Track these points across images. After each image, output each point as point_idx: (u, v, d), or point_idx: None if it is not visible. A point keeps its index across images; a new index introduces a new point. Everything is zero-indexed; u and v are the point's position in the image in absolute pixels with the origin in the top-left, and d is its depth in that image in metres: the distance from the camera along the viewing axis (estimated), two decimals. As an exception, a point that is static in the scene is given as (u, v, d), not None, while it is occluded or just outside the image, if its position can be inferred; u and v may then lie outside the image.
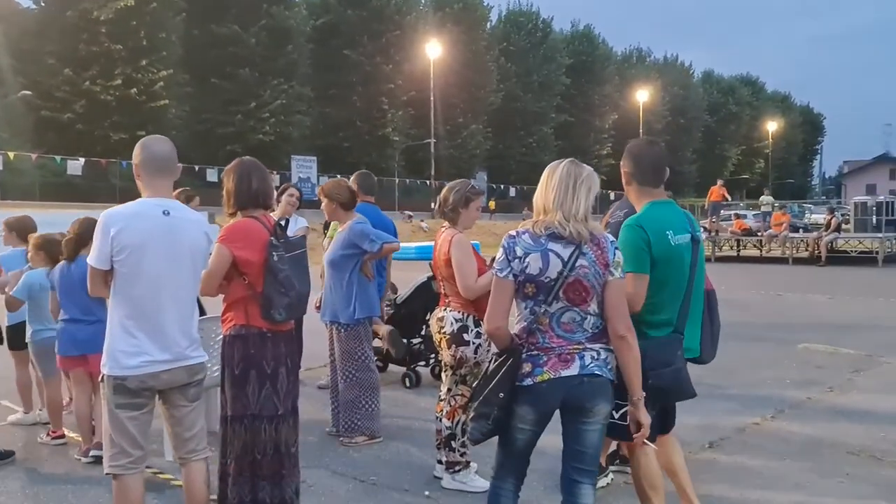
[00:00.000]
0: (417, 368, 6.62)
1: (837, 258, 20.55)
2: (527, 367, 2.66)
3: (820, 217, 26.68)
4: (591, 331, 2.68)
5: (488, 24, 49.63)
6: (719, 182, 24.91)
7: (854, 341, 8.45)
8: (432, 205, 37.75)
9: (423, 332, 6.63)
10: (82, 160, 30.51)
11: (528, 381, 2.65)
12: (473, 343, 4.00)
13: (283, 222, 3.67)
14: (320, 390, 6.35)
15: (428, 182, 40.88)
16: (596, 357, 2.67)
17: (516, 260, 2.64)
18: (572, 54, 52.51)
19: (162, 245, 3.00)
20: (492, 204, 41.06)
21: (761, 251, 23.01)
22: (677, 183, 62.05)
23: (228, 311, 3.50)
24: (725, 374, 6.53)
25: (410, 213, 35.13)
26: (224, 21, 37.44)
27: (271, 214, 6.11)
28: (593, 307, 2.67)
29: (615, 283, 2.67)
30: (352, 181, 5.58)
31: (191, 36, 36.96)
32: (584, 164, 2.83)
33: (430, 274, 6.43)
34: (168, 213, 3.04)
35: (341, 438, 4.89)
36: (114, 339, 2.99)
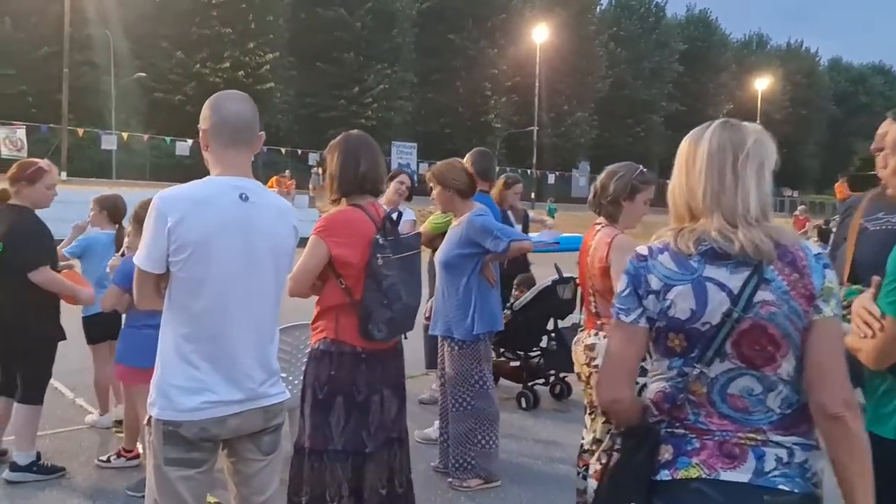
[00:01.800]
0: (536, 386, 5.65)
1: None
2: (666, 454, 1.62)
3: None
4: (779, 410, 1.58)
5: (598, 8, 47.65)
6: (842, 180, 22.46)
7: None
8: (532, 194, 36.62)
9: (544, 345, 5.66)
10: (190, 141, 31.09)
11: (666, 475, 1.60)
12: (636, 382, 2.98)
13: (394, 215, 2.83)
14: (422, 406, 5.48)
15: (529, 171, 39.63)
16: (786, 459, 1.56)
17: (651, 296, 1.63)
18: (686, 40, 49.76)
19: (236, 241, 2.16)
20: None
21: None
22: (795, 177, 58.27)
23: (320, 318, 2.84)
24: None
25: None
26: (331, 4, 37.38)
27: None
28: (786, 369, 1.57)
29: (825, 326, 1.56)
30: (466, 162, 4.63)
31: (297, 19, 37.14)
32: (746, 124, 1.69)
33: (557, 277, 5.45)
34: (246, 198, 2.18)
35: (450, 480, 3.97)
36: (166, 369, 2.15)
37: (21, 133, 27.19)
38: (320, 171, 26.42)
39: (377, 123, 37.51)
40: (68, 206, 4.33)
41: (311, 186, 25.82)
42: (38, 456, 3.94)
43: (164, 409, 2.12)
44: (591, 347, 3.08)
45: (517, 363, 5.65)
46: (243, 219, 2.16)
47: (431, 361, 4.81)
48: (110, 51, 31.78)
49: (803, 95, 57.45)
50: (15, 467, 3.84)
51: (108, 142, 29.67)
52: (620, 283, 1.71)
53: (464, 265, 3.88)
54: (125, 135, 29.77)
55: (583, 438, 3.32)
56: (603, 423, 3.11)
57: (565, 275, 5.44)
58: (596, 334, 3.10)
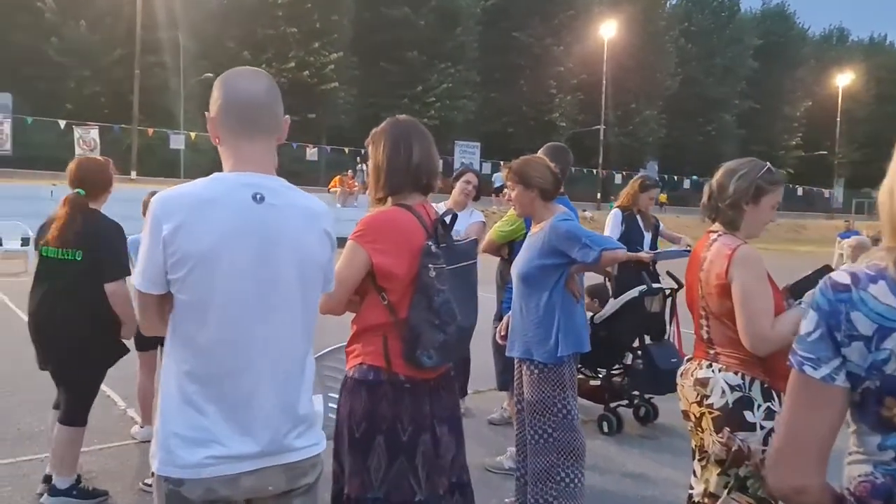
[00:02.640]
0: (619, 408, 5.12)
1: None
2: None
3: None
4: None
5: (668, 3, 46.21)
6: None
7: None
8: (598, 195, 35.67)
9: (628, 361, 5.13)
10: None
11: None
12: (762, 427, 2.45)
13: (447, 217, 2.37)
14: (493, 428, 5.01)
15: (595, 171, 38.66)
16: None
17: (856, 343, 1.18)
18: (762, 35, 47.72)
19: (249, 253, 1.72)
20: (663, 197, 38.17)
21: None
22: (880, 178, 55.24)
23: (356, 340, 2.36)
24: None
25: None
26: (395, 3, 37.25)
27: (440, 205, 4.96)
28: None
29: None
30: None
31: (361, 18, 37.13)
32: None
33: (644, 287, 4.90)
34: (261, 199, 1.74)
35: (527, 521, 3.50)
36: (168, 414, 1.73)
37: (94, 133, 27.85)
38: (364, 165, 25.58)
39: (440, 123, 37.17)
40: (137, 205, 4.08)
41: (354, 184, 25.18)
42: (79, 479, 3.63)
43: (164, 463, 1.70)
44: (703, 382, 2.55)
45: (598, 382, 5.13)
46: (258, 224, 1.72)
47: (504, 382, 4.34)
48: (179, 52, 32.34)
49: (888, 92, 54.51)
50: (54, 491, 3.54)
51: (177, 141, 30.13)
52: (807, 322, 1.22)
53: (546, 278, 3.38)
54: (193, 134, 30.18)
55: (691, 488, 2.78)
56: (718, 474, 2.58)
57: (655, 285, 4.89)
58: (709, 366, 2.56)
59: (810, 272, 2.76)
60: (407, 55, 36.92)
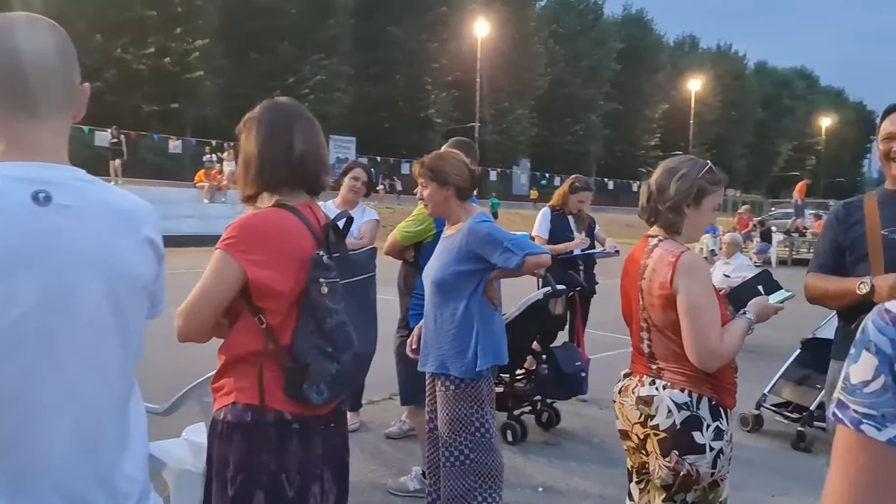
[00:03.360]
0: (522, 415, 4.92)
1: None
2: None
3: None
4: None
5: (537, 5, 47.37)
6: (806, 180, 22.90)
7: None
8: (475, 192, 35.90)
9: (531, 366, 4.94)
10: (109, 131, 29.26)
11: None
12: (711, 448, 2.27)
13: (341, 221, 1.98)
14: (393, 444, 4.68)
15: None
16: None
17: None
18: (624, 39, 50.00)
19: (30, 277, 1.19)
20: (534, 193, 39.15)
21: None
22: (727, 178, 59.39)
23: (226, 374, 1.90)
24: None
25: None
26: (264, -9, 35.91)
27: (327, 204, 4.55)
28: None
29: None
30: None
31: (228, 5, 35.48)
32: None
33: (549, 289, 4.72)
34: (47, 199, 1.23)
35: (442, 552, 3.20)
36: None
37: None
38: (215, 156, 23.48)
39: (314, 116, 36.17)
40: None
41: (221, 178, 23.37)
42: None
43: None
44: (647, 401, 2.34)
45: (501, 389, 4.91)
46: (43, 235, 1.22)
47: (408, 397, 4.02)
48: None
49: (732, 97, 58.71)
50: None
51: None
52: (860, 368, 0.93)
53: (463, 285, 3.08)
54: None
55: (630, 508, 2.59)
56: (663, 500, 2.37)
57: (559, 286, 4.72)
58: (653, 382, 2.36)
59: (749, 276, 2.62)
60: (277, 45, 35.64)
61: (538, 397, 4.96)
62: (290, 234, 1.85)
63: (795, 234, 19.78)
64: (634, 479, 2.55)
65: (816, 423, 4.86)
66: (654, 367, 2.38)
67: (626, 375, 2.52)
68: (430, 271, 3.18)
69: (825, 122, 67.50)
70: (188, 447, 3.14)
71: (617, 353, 7.67)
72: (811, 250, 21.71)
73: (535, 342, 4.90)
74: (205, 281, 1.82)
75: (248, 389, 1.84)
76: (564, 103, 46.06)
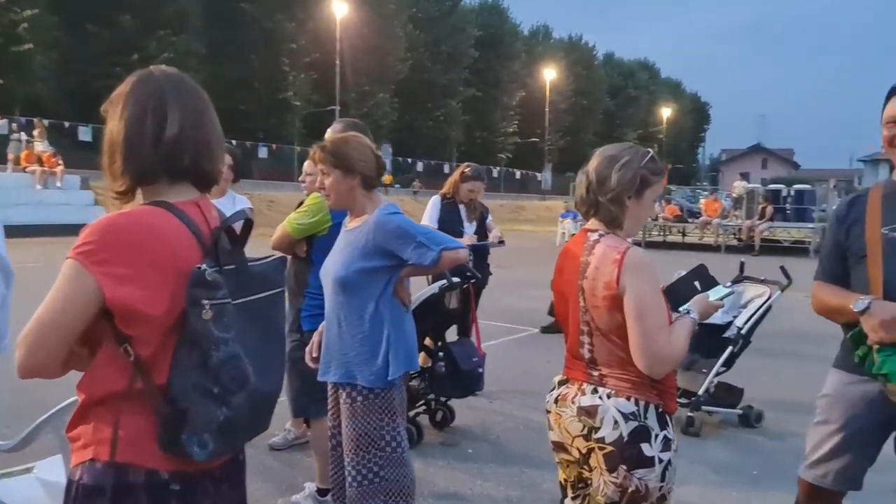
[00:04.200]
0: (418, 416, 4.67)
1: (768, 248, 19.96)
2: None
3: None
4: None
5: (396, -12, 46.86)
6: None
7: None
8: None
9: (425, 364, 4.69)
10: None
11: None
12: (660, 461, 2.10)
13: (238, 223, 1.58)
14: (277, 457, 4.27)
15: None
16: None
17: None
18: (481, 26, 50.67)
19: None
20: (388, 178, 38.82)
21: (683, 236, 22.62)
22: (577, 164, 61.87)
23: (84, 419, 1.48)
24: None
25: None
26: (102, -41, 33.09)
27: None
28: None
29: None
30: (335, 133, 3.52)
31: (62, -27, 32.41)
32: None
33: (445, 283, 4.47)
34: None
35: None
36: None
37: None
38: (23, 134, 20.64)
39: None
40: None
41: (56, 161, 20.84)
42: None
43: None
44: (590, 412, 2.14)
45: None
46: None
47: (300, 408, 3.63)
48: None
49: (583, 86, 61.19)
50: None
51: None
52: None
53: (371, 284, 2.76)
54: None
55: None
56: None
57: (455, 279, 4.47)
58: (595, 391, 2.16)
59: (684, 272, 2.48)
60: (119, 18, 32.99)
61: (432, 396, 4.72)
62: (167, 240, 1.44)
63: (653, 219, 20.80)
64: (570, 494, 2.35)
65: (704, 408, 4.95)
66: (595, 373, 2.18)
67: (561, 383, 2.31)
68: (332, 268, 2.83)
69: (666, 111, 72.02)
70: (41, 487, 2.65)
71: (499, 343, 7.60)
72: (662, 233, 23.02)
73: (427, 338, 4.66)
74: (52, 299, 1.39)
75: (112, 440, 1.44)
76: (425, 88, 46.06)
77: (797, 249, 20.11)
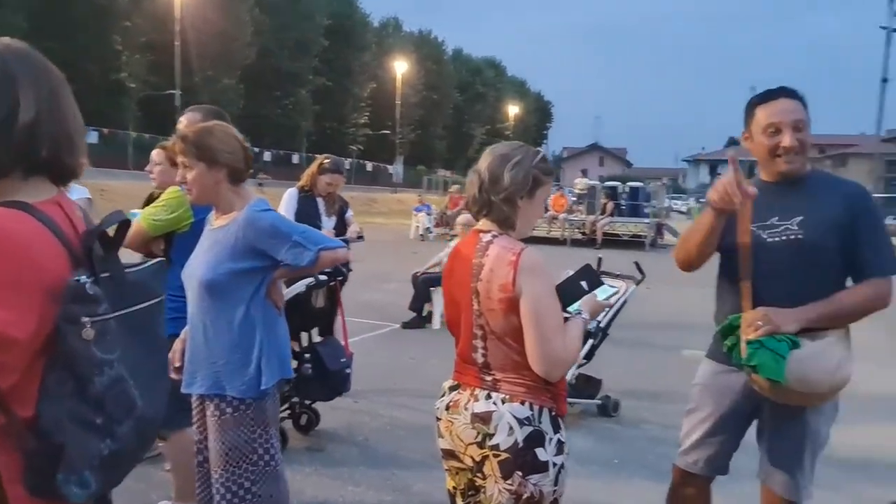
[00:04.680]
0: (282, 421, 4.43)
1: (609, 241, 21.13)
2: None
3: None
4: None
5: (241, -31, 44.90)
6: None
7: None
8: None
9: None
10: None
11: None
12: (554, 465, 2.08)
13: (111, 227, 1.38)
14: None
15: (170, 139, 36.00)
16: None
17: None
18: (331, 15, 49.68)
19: None
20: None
21: (534, 229, 23.44)
22: (429, 158, 62.84)
23: None
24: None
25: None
26: None
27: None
28: None
29: None
30: (193, 121, 3.27)
31: None
32: None
33: (311, 281, 4.27)
34: None
35: None
36: None
37: None
38: None
39: None
40: None
41: None
42: None
43: None
44: (484, 418, 2.07)
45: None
46: None
47: (170, 420, 3.31)
48: None
49: (433, 81, 61.81)
50: None
51: None
52: None
53: (241, 287, 2.54)
54: None
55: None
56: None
57: (321, 276, 4.29)
58: (488, 396, 2.10)
59: (572, 273, 2.47)
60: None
61: (296, 399, 4.51)
62: (29, 249, 1.20)
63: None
64: (459, 502, 2.28)
65: (572, 400, 5.08)
66: (488, 378, 2.12)
67: (452, 388, 2.24)
68: (196, 270, 2.58)
69: (513, 109, 74.36)
70: None
71: (360, 340, 7.45)
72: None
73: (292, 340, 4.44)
74: None
75: None
76: (273, 76, 44.56)
77: (635, 243, 21.46)
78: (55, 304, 1.20)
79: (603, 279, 2.24)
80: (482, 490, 2.16)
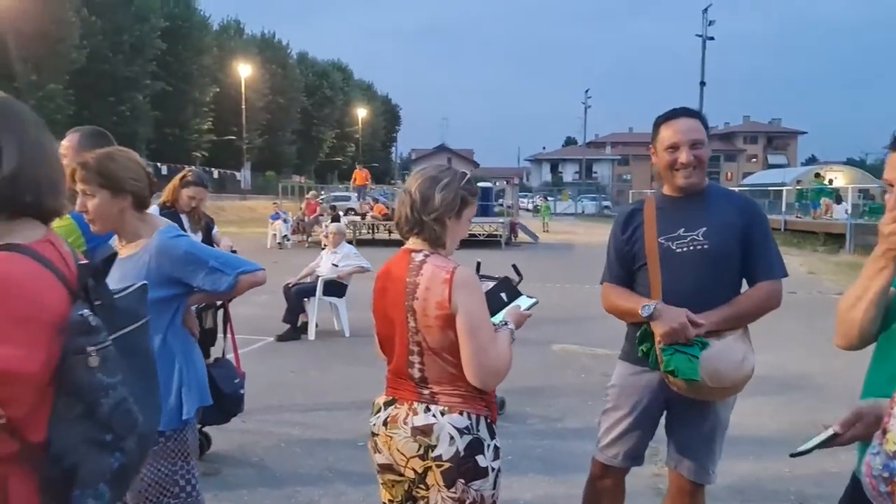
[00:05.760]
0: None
1: (467, 241, 21.64)
2: None
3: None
4: None
5: (64, -33, 41.72)
6: (360, 167, 24.68)
7: (588, 337, 8.19)
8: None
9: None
10: None
11: None
12: (493, 469, 2.19)
13: (102, 258, 1.49)
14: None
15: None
16: None
17: None
18: (167, 17, 47.25)
19: None
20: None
21: (390, 234, 23.64)
22: (279, 164, 61.40)
23: None
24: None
25: None
26: None
27: None
28: None
29: None
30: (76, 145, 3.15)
31: None
32: None
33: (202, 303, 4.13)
34: None
35: None
36: None
37: None
38: None
39: None
40: None
41: None
42: None
43: None
44: (425, 431, 2.15)
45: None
46: None
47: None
48: None
49: (280, 85, 60.43)
50: None
51: None
52: None
53: (157, 317, 2.43)
54: None
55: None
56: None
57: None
58: (427, 409, 2.18)
59: (491, 284, 2.60)
60: None
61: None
62: (32, 289, 1.31)
63: (358, 218, 21.39)
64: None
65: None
66: (426, 392, 2.21)
67: (387, 404, 2.29)
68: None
69: (361, 112, 74.23)
70: None
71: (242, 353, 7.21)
72: (370, 231, 23.77)
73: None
74: None
75: None
76: (106, 81, 41.67)
77: (491, 242, 22.17)
78: (60, 338, 1.30)
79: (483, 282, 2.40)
80: (421, 500, 2.24)
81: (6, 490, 1.31)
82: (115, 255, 1.52)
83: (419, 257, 2.20)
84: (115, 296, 1.49)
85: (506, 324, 2.33)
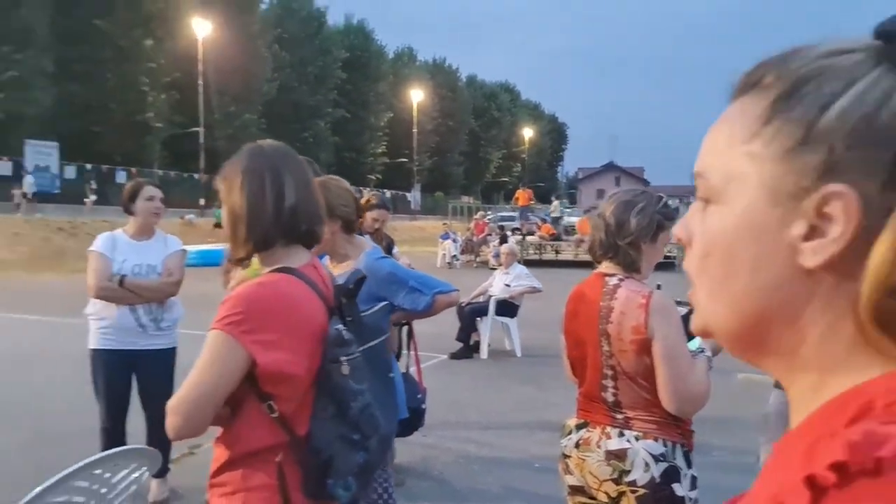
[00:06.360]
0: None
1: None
2: None
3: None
4: None
5: (260, 7, 45.86)
6: (523, 188, 24.88)
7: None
8: (202, 201, 33.74)
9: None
10: None
11: None
12: (690, 499, 2.15)
13: (351, 281, 1.75)
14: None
15: (196, 175, 36.59)
16: None
17: None
18: (347, 48, 50.57)
19: None
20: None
21: (557, 255, 23.44)
22: (446, 185, 63.24)
23: (231, 468, 1.61)
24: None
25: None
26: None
27: (117, 234, 3.81)
28: None
29: None
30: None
31: None
32: None
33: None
34: None
35: None
36: None
37: None
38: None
39: (6, 117, 31.24)
40: None
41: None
42: None
43: None
44: (619, 455, 2.15)
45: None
46: None
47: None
48: None
49: (449, 108, 62.47)
50: None
51: None
52: None
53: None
54: None
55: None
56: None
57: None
58: (621, 434, 2.18)
59: (685, 310, 2.55)
60: (-47, 33, 30.19)
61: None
62: (302, 305, 1.60)
63: (522, 237, 21.49)
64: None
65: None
66: (619, 416, 2.20)
67: (579, 427, 2.31)
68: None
69: (527, 132, 74.85)
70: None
71: (411, 372, 7.51)
72: (538, 252, 23.78)
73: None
74: (206, 370, 1.52)
75: (264, 490, 1.57)
76: (292, 109, 45.26)
77: (665, 265, 21.40)
78: (320, 347, 1.57)
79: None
80: (615, 524, 2.23)
81: (283, 475, 1.56)
82: (364, 277, 1.75)
83: (613, 281, 2.22)
84: (363, 313, 1.75)
85: (702, 350, 2.28)
